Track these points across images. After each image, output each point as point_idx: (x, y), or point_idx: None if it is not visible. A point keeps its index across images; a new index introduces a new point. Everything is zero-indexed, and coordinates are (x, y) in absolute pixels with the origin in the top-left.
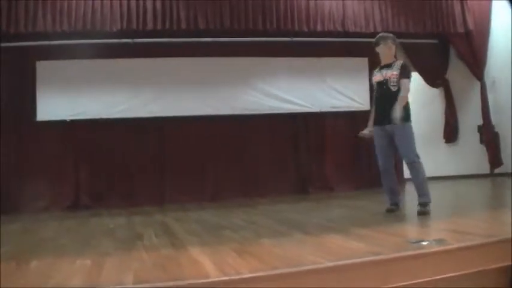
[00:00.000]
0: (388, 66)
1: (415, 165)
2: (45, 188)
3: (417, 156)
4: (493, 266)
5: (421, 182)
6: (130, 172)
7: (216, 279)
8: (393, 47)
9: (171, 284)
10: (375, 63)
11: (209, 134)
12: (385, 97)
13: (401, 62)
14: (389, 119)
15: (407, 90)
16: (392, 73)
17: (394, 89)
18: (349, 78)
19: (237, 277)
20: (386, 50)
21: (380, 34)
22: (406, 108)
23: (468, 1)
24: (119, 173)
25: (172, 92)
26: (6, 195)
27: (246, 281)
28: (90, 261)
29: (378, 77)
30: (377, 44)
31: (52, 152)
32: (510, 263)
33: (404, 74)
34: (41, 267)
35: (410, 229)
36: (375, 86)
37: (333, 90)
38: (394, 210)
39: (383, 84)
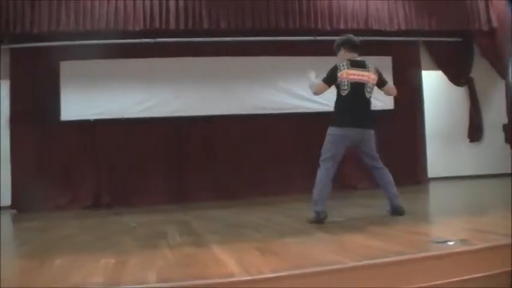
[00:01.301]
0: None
1: None
2: (66, 186)
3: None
4: None
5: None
6: (150, 171)
7: (241, 278)
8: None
9: (195, 282)
10: (397, 63)
11: (229, 133)
12: None
13: None
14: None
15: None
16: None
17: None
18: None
19: (261, 276)
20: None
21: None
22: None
23: None
24: (139, 172)
25: (193, 91)
26: (28, 192)
27: (269, 280)
28: (112, 259)
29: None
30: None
31: (74, 151)
32: None
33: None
34: (64, 265)
35: (432, 228)
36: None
37: None
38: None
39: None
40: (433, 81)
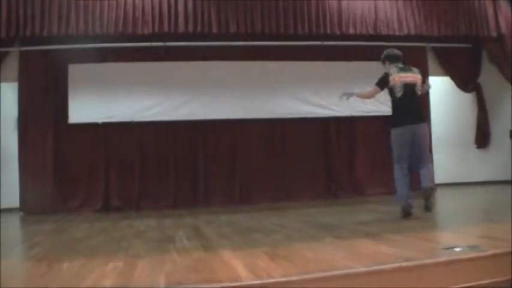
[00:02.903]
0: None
1: None
2: (76, 189)
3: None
4: None
5: None
6: (161, 175)
7: (249, 282)
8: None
9: (204, 286)
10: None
11: (240, 138)
12: None
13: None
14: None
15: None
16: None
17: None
18: None
19: (270, 280)
20: None
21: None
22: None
23: (501, 5)
24: (150, 176)
25: (203, 95)
26: (39, 195)
27: (278, 285)
28: (122, 262)
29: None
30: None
31: (84, 154)
32: None
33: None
34: (73, 268)
35: (442, 234)
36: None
37: None
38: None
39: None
40: (440, 87)
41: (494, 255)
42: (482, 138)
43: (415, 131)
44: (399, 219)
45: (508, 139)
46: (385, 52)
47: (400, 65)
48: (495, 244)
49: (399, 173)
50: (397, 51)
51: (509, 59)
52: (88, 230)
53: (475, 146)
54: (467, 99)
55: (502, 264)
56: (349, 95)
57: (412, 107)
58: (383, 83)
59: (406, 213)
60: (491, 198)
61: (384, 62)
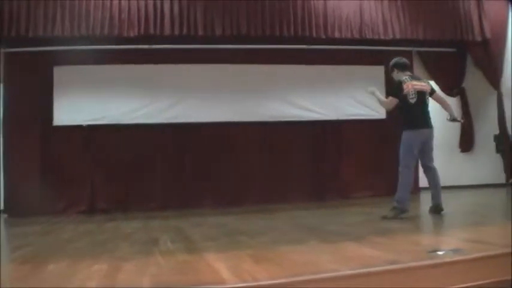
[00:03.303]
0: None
1: None
2: (62, 192)
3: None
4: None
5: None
6: (147, 177)
7: (233, 285)
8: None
9: None
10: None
11: (228, 140)
12: None
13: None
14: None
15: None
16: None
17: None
18: (366, 86)
19: (254, 283)
20: None
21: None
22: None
23: (486, 9)
24: (136, 178)
25: (189, 98)
26: (24, 197)
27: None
28: (106, 265)
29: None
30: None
31: (70, 156)
32: None
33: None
34: (58, 270)
35: (427, 238)
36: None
37: (351, 98)
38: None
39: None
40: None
41: (480, 259)
42: (467, 142)
43: (428, 135)
44: (385, 221)
45: (492, 143)
46: (393, 60)
47: (409, 73)
48: (480, 247)
49: (410, 178)
50: (404, 59)
51: (493, 63)
52: (73, 232)
53: (459, 149)
54: (452, 103)
55: (487, 268)
56: (373, 92)
57: (424, 112)
58: (398, 91)
59: (400, 216)
60: (475, 202)
61: (392, 70)
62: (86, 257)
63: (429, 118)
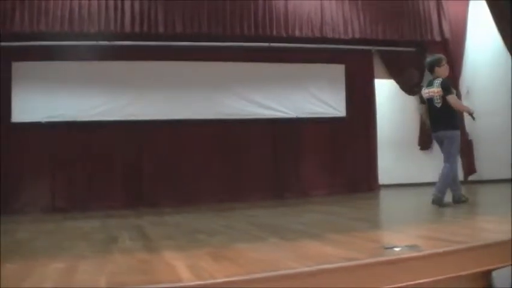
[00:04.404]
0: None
1: None
2: (21, 190)
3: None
4: (467, 272)
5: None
6: (106, 175)
7: (190, 283)
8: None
9: (145, 287)
10: (350, 71)
11: (187, 138)
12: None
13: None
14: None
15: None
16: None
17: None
18: (327, 85)
19: (212, 281)
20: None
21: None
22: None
23: (445, 9)
24: (96, 176)
25: (150, 95)
26: None
27: (220, 285)
28: (64, 264)
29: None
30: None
31: (29, 154)
32: (485, 269)
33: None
34: (14, 270)
35: (385, 235)
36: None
37: (311, 96)
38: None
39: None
40: (385, 90)
41: (434, 255)
42: (425, 140)
43: (438, 137)
44: (343, 219)
45: None
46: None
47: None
48: (436, 244)
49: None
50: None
51: (452, 63)
52: (31, 232)
53: (419, 147)
54: (411, 101)
55: (441, 264)
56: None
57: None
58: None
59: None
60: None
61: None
62: (43, 257)
63: (439, 121)
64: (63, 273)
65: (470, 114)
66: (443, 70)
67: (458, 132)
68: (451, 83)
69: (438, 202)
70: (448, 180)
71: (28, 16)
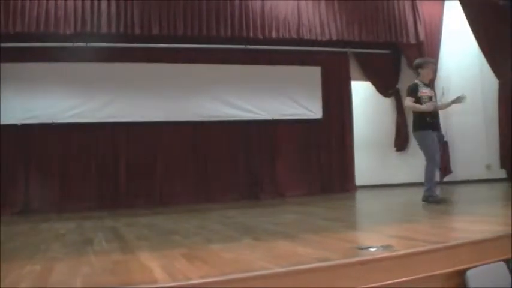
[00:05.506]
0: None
1: None
2: None
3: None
4: (442, 272)
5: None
6: (81, 177)
7: (165, 284)
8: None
9: None
10: (326, 73)
11: (162, 140)
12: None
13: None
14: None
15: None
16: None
17: None
18: (302, 86)
19: (186, 282)
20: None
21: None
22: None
23: (420, 11)
24: (71, 178)
25: (126, 97)
26: None
27: (194, 286)
28: (39, 266)
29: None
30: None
31: (4, 156)
32: (459, 268)
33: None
34: None
35: (359, 235)
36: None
37: (287, 98)
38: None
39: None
40: (362, 92)
41: (408, 255)
42: (401, 141)
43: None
44: (317, 220)
45: None
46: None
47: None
48: (410, 244)
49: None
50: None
51: None
52: (6, 234)
53: (395, 149)
54: (387, 103)
55: (415, 264)
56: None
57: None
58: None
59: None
60: (409, 200)
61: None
62: (18, 259)
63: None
64: (39, 275)
65: (435, 110)
66: (426, 72)
67: (426, 133)
68: (414, 88)
69: (425, 199)
70: (426, 177)
71: (3, 17)
